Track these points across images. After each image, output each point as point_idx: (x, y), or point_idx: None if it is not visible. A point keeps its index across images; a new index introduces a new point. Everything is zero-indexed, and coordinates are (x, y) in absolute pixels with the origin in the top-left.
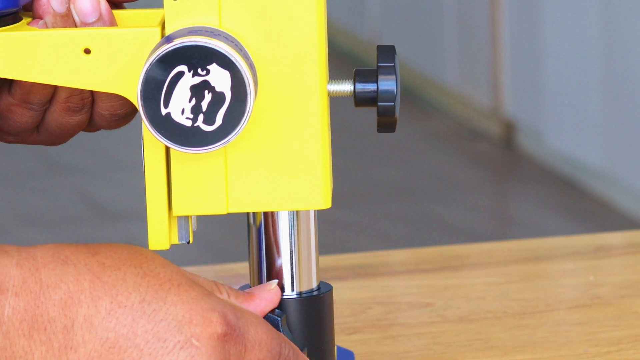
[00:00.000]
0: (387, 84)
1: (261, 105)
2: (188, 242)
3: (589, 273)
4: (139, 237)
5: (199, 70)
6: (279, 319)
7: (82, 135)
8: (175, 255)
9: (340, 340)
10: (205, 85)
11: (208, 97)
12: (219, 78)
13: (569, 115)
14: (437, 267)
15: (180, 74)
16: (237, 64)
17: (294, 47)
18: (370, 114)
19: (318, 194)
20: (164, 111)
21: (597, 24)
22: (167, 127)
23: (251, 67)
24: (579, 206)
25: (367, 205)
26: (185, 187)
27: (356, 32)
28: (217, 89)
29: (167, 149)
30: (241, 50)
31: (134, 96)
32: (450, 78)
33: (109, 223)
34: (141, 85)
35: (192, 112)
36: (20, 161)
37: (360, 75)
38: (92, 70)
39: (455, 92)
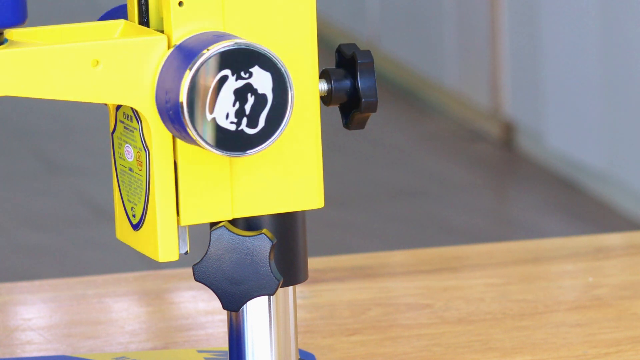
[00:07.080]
0: (368, 80)
1: None
2: (186, 253)
3: (588, 274)
4: None
5: (242, 74)
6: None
7: (81, 136)
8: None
9: (339, 341)
10: (249, 88)
11: (251, 100)
12: (261, 80)
13: (569, 117)
14: (437, 269)
15: (224, 79)
16: (278, 65)
17: (294, 49)
18: (371, 115)
19: (314, 193)
20: (209, 117)
21: (597, 25)
22: (212, 133)
23: None
24: (579, 207)
25: (366, 206)
26: (193, 196)
27: (356, 33)
28: (260, 91)
29: (175, 160)
30: None
31: (144, 107)
32: (449, 79)
33: (108, 224)
34: (186, 94)
35: (236, 116)
36: (19, 162)
37: (334, 74)
38: (102, 83)
39: (455, 93)
